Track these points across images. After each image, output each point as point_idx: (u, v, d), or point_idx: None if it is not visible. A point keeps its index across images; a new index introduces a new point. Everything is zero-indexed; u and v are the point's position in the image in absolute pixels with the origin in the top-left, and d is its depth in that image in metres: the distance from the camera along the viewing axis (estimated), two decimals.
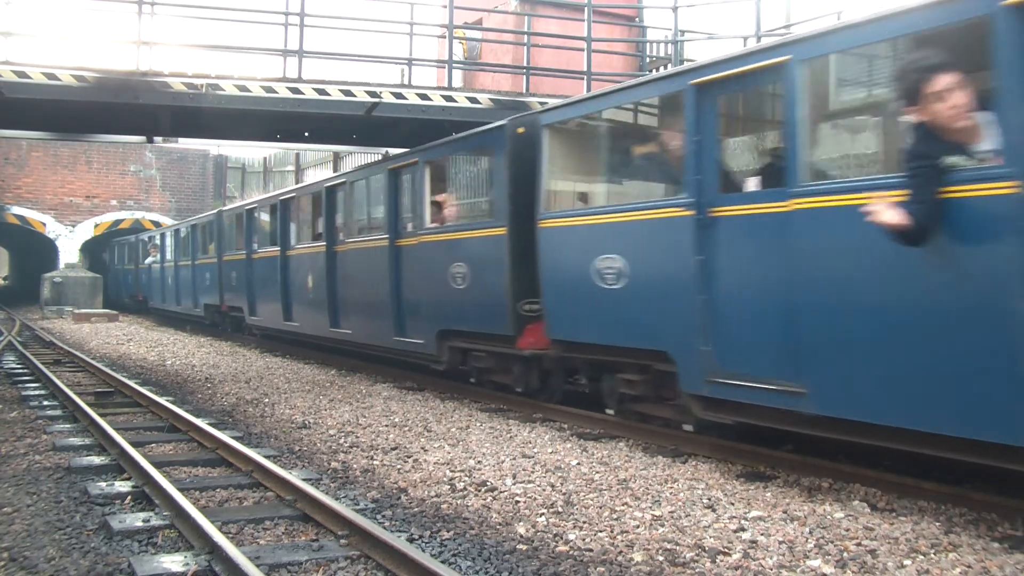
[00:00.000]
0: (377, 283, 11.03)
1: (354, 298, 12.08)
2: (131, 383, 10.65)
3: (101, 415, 8.21)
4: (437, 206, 10.03)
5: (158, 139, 13.05)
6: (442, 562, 4.31)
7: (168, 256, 23.71)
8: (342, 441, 7.50)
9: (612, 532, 4.85)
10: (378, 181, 11.38)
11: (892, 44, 5.33)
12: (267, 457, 6.51)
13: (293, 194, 14.95)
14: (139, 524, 5.00)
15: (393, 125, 12.00)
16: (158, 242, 25.19)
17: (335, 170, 25.10)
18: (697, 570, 4.26)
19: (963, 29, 4.74)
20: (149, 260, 25.83)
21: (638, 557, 4.45)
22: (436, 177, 10.10)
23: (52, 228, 28.97)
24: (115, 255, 32.14)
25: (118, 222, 30.20)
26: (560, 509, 5.31)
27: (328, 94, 10.86)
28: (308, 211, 14.23)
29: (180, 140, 14.93)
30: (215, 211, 19.99)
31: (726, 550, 4.51)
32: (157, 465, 6.13)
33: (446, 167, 9.98)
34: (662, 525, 4.95)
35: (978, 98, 4.69)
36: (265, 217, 16.50)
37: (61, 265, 28.62)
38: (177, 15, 11.99)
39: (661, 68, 16.40)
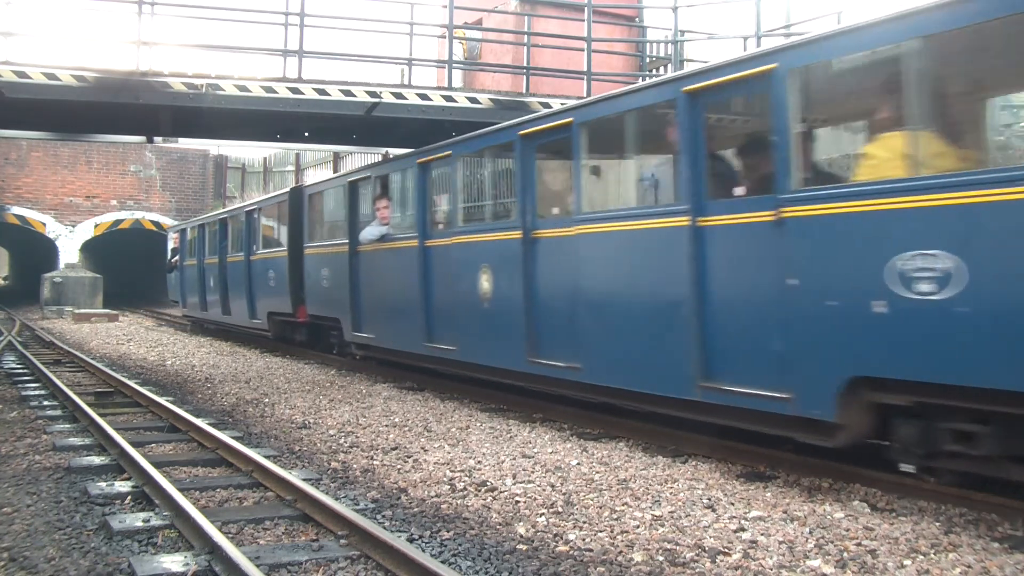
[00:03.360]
0: None
1: None
2: (131, 383, 10.65)
3: (101, 415, 8.22)
4: None
5: (158, 139, 13.07)
6: (442, 562, 4.31)
7: (460, 220, 9.48)
8: (342, 441, 7.50)
9: (612, 532, 4.85)
10: None
11: None
12: (267, 457, 6.52)
13: None
14: (139, 524, 5.00)
15: (393, 125, 12.00)
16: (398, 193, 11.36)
17: (335, 170, 24.73)
18: (697, 570, 4.26)
19: None
20: (372, 233, 11.27)
21: (638, 557, 4.45)
22: None
23: (52, 228, 28.96)
24: (207, 237, 19.41)
25: (118, 222, 30.16)
26: (560, 509, 5.31)
27: (328, 94, 10.85)
28: None
29: (180, 140, 14.95)
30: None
31: (726, 550, 4.51)
32: (157, 465, 6.14)
33: None
34: (662, 525, 4.96)
35: None
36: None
37: (61, 265, 28.62)
38: (177, 15, 11.94)
39: (661, 69, 16.41)
